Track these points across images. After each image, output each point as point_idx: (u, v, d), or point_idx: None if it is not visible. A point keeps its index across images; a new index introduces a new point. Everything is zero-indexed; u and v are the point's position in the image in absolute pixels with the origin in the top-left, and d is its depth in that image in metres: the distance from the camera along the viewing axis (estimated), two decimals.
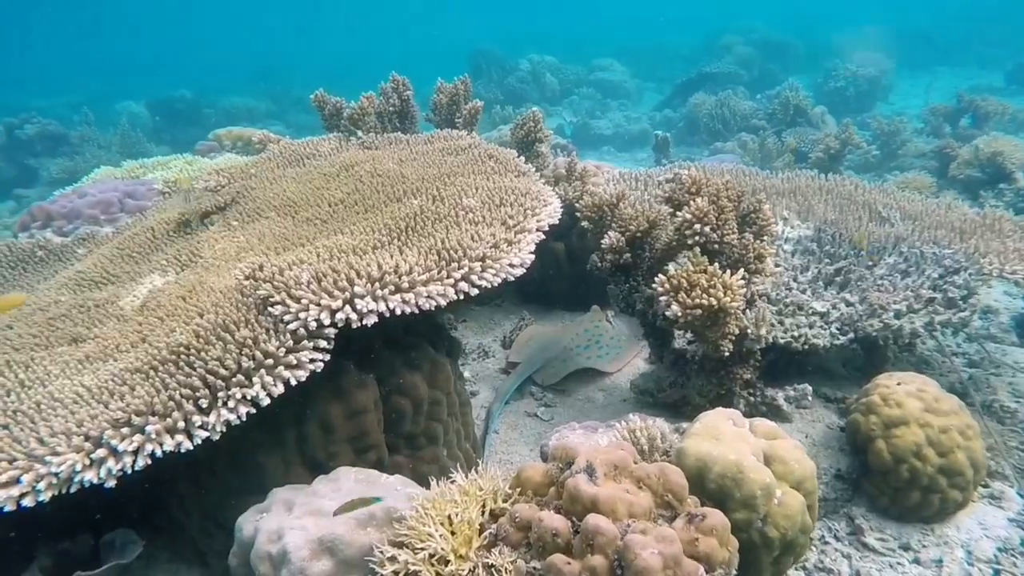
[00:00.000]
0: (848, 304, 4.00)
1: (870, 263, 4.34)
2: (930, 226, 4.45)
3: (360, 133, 5.10)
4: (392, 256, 2.91)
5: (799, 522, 2.47)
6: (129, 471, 2.22)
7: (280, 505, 2.44)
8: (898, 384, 3.43)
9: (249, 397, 2.41)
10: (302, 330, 2.58)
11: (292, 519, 2.34)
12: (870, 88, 15.21)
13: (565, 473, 2.19)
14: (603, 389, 4.44)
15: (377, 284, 2.68)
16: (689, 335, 3.97)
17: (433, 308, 2.76)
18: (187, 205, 4.37)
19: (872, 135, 10.57)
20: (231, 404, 2.37)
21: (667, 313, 3.09)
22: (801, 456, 2.62)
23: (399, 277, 2.74)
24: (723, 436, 2.58)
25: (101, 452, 2.20)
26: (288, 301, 2.63)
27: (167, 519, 2.99)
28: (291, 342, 2.56)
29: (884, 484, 3.33)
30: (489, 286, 2.91)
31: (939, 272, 4.08)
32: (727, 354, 3.26)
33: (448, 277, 2.84)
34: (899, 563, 3.19)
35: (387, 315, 2.68)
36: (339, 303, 2.61)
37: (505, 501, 2.26)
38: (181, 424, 2.31)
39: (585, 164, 5.31)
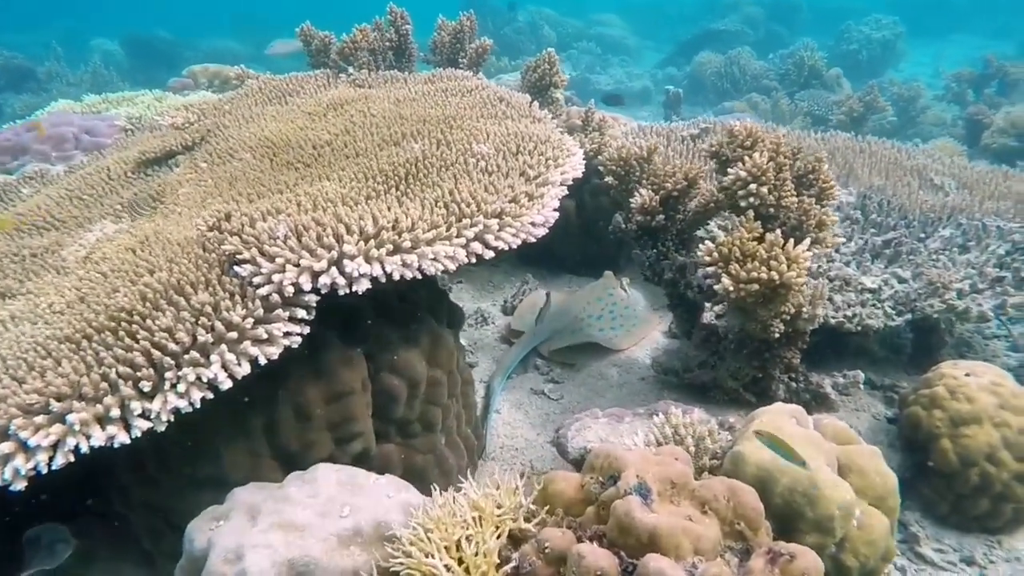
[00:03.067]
0: (901, 280, 3.53)
1: (922, 235, 3.87)
2: (991, 196, 3.97)
3: (351, 69, 4.50)
4: (390, 208, 2.38)
5: (882, 548, 2.03)
6: (44, 470, 1.71)
7: (242, 512, 1.95)
8: (967, 375, 2.98)
9: (206, 379, 1.91)
10: (275, 296, 2.07)
11: (256, 533, 1.86)
12: (883, 53, 14.60)
13: (609, 490, 1.72)
14: (617, 364, 3.97)
15: (372, 242, 2.16)
16: (719, 309, 3.50)
17: (439, 273, 2.25)
18: (149, 142, 3.78)
19: (889, 100, 10.03)
20: (181, 388, 1.87)
21: (715, 287, 2.60)
22: (882, 466, 2.17)
23: (399, 235, 2.22)
24: (790, 440, 2.12)
25: (6, 447, 1.69)
26: (260, 260, 2.11)
27: (109, 510, 2.50)
28: (261, 311, 2.04)
29: (946, 489, 2.90)
30: (507, 248, 2.41)
31: (1006, 248, 3.61)
32: (777, 335, 2.78)
33: (458, 236, 2.32)
34: None
35: (383, 280, 2.17)
36: (323, 264, 2.09)
37: (528, 520, 1.79)
38: (116, 412, 1.81)
39: (603, 114, 4.76)
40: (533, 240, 2.50)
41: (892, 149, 4.78)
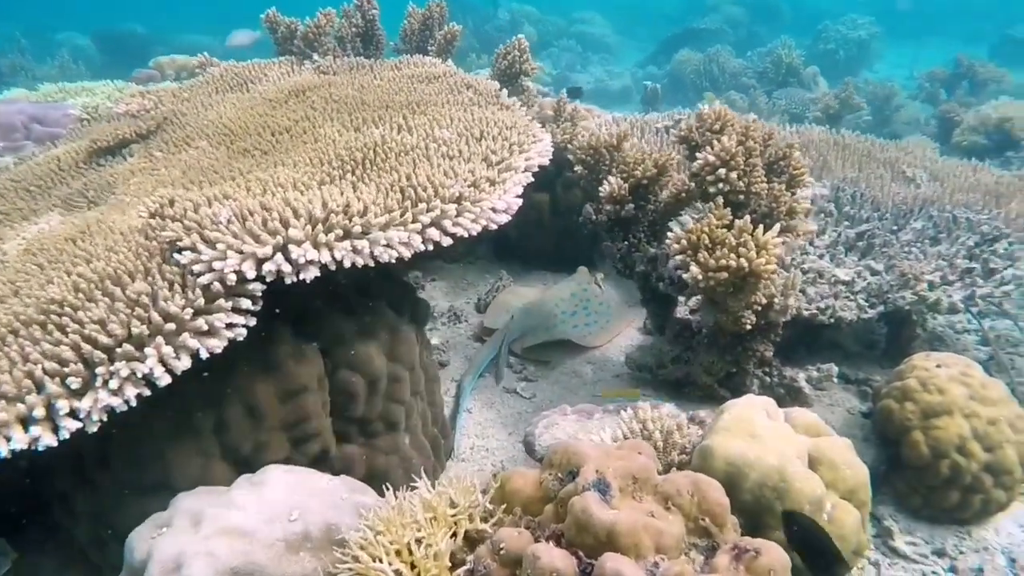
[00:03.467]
0: (874, 272, 3.48)
1: (895, 227, 3.82)
2: (960, 188, 3.94)
3: (316, 56, 4.38)
4: (343, 192, 2.27)
5: (853, 543, 1.96)
6: None
7: (184, 518, 1.83)
8: (938, 366, 2.93)
9: (141, 374, 1.78)
10: (217, 285, 1.95)
11: (198, 540, 1.74)
12: (859, 52, 14.69)
13: (567, 487, 1.62)
14: (592, 362, 3.88)
15: (320, 227, 2.05)
16: (692, 303, 3.43)
17: (393, 261, 2.15)
18: (101, 131, 3.63)
19: (864, 98, 10.06)
20: (114, 384, 1.74)
21: (684, 276, 2.52)
22: (852, 458, 2.10)
23: (349, 219, 2.12)
24: (760, 433, 2.04)
25: None
26: (200, 246, 1.99)
27: (54, 519, 2.36)
28: (202, 301, 1.92)
29: (918, 481, 2.85)
30: (466, 235, 2.31)
31: (975, 240, 3.58)
32: (749, 327, 2.71)
33: (414, 221, 2.22)
34: (934, 572, 2.73)
35: (333, 268, 2.06)
36: (268, 250, 1.98)
37: (485, 521, 1.69)
38: (40, 412, 1.68)
39: (575, 105, 4.67)
40: (495, 227, 2.40)
41: (866, 142, 4.75)
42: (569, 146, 3.52)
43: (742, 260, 2.36)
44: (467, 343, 4.11)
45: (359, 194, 2.28)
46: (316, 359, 2.35)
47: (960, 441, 2.73)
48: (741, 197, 2.70)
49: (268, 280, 2.00)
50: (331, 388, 2.41)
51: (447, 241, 2.27)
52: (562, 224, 4.67)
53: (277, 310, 2.38)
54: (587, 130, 4.29)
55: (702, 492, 1.60)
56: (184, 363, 1.85)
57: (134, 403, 1.79)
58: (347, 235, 2.11)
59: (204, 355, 1.89)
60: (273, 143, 3.08)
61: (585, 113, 4.71)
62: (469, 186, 2.40)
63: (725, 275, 2.40)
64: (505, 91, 3.74)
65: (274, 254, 1.98)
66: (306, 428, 2.32)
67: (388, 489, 1.81)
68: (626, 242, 3.33)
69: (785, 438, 2.04)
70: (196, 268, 1.95)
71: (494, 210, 2.43)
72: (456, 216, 2.31)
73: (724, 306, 2.66)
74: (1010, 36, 16.85)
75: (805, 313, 3.08)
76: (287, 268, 1.98)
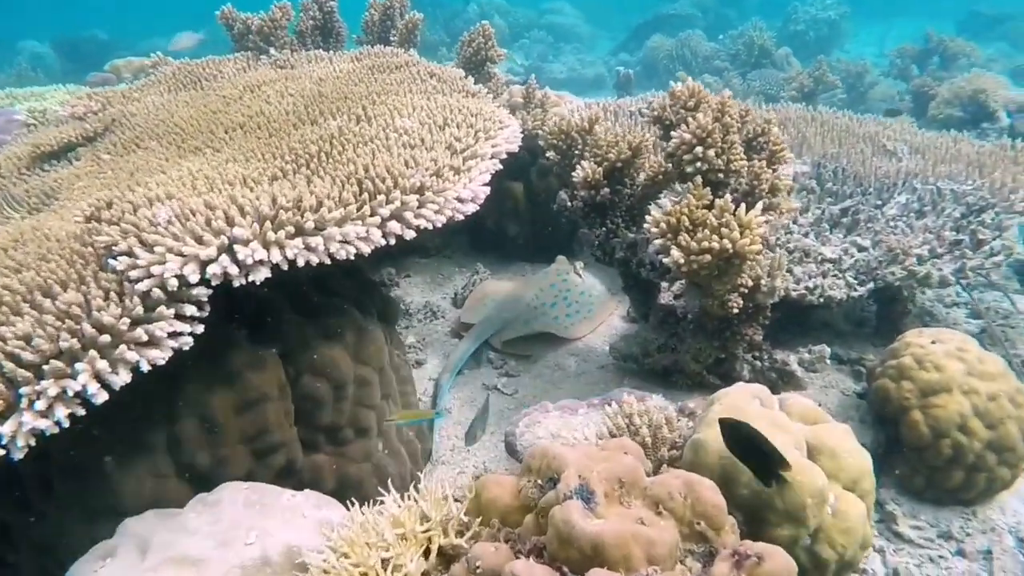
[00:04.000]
0: (861, 249, 3.37)
1: (878, 202, 3.71)
2: (943, 160, 3.84)
3: (272, 51, 4.19)
4: (295, 187, 2.10)
5: (859, 536, 1.83)
6: None
7: (130, 547, 1.66)
8: (933, 342, 2.82)
9: (73, 392, 1.61)
10: (158, 291, 1.77)
11: (144, 572, 1.57)
12: (830, 33, 14.63)
13: (548, 495, 1.47)
14: (575, 354, 3.74)
15: (269, 224, 1.88)
16: (676, 288, 3.29)
17: (352, 258, 1.99)
18: (45, 135, 3.43)
19: (838, 76, 9.99)
20: (41, 404, 1.57)
21: (664, 260, 2.38)
22: (853, 445, 1.97)
23: (302, 215, 1.95)
24: (754, 423, 1.90)
25: None
26: (137, 250, 1.82)
27: None
28: (141, 309, 1.75)
29: (920, 463, 2.73)
30: (430, 226, 2.15)
31: (961, 211, 3.47)
32: (736, 311, 2.58)
33: (372, 215, 2.06)
34: (941, 556, 2.62)
35: (286, 268, 1.89)
36: (212, 251, 1.81)
37: (461, 535, 1.54)
38: None
39: (546, 91, 4.52)
40: (461, 217, 2.25)
41: (844, 118, 4.64)
42: (540, 132, 3.37)
43: (725, 241, 2.22)
44: (444, 340, 3.95)
45: (312, 188, 2.11)
46: (276, 365, 2.18)
47: (961, 419, 2.62)
48: (720, 176, 2.56)
49: (214, 284, 1.83)
50: (294, 395, 2.25)
51: (410, 234, 2.11)
52: (539, 213, 4.52)
53: (232, 315, 2.21)
54: (558, 116, 4.14)
55: (696, 493, 1.46)
56: (123, 378, 1.68)
57: (66, 424, 1.61)
58: (299, 232, 1.94)
59: (145, 367, 1.72)
60: (226, 140, 2.90)
61: (556, 99, 4.56)
62: (432, 175, 2.25)
63: (708, 258, 2.26)
64: (471, 79, 3.58)
65: (219, 255, 1.81)
66: (268, 439, 2.15)
67: (354, 504, 1.65)
68: (603, 228, 3.19)
69: (781, 427, 1.91)
70: (133, 274, 1.78)
71: (460, 200, 2.28)
72: (418, 208, 2.15)
73: (709, 290, 2.52)
74: (976, 11, 16.90)
75: (793, 294, 2.96)
76: (234, 270, 1.81)
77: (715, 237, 2.24)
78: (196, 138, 2.99)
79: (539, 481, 1.53)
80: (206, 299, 1.85)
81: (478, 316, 3.91)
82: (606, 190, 2.93)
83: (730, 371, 3.07)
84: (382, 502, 1.64)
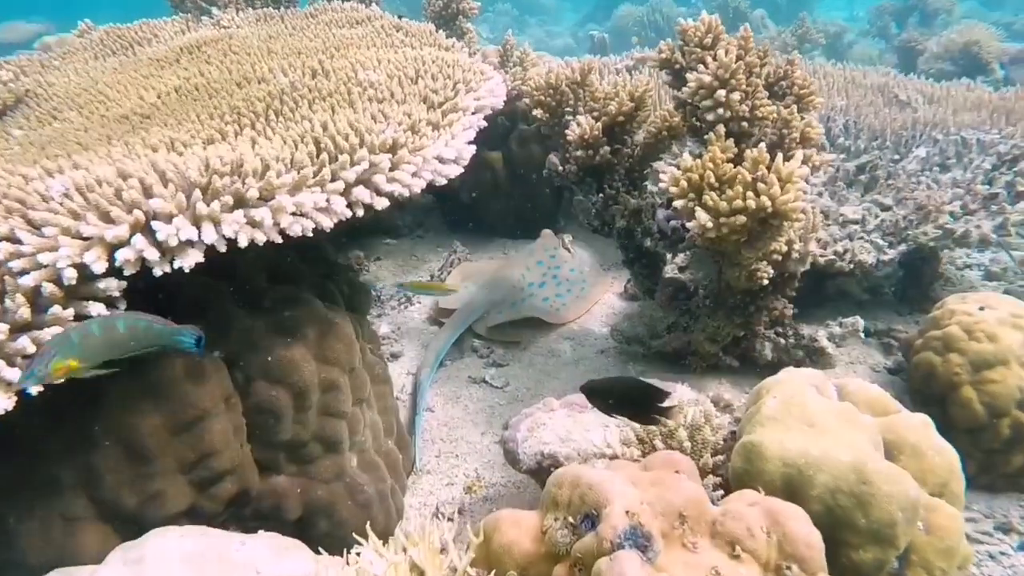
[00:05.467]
0: (885, 208, 3.03)
1: (896, 157, 3.37)
2: (963, 107, 3.51)
3: (215, 10, 3.70)
4: (235, 149, 1.67)
5: (960, 557, 1.48)
6: None
7: None
8: (981, 309, 2.49)
9: None
10: (50, 286, 1.34)
11: None
12: None
13: (585, 539, 1.09)
14: (570, 337, 3.36)
15: (199, 194, 1.46)
16: (680, 260, 2.92)
17: (309, 234, 1.57)
18: None
19: (821, 34, 9.67)
20: None
21: (688, 225, 1.99)
22: (937, 440, 1.62)
23: (242, 181, 1.52)
24: (820, 420, 1.54)
25: None
26: (21, 232, 1.37)
27: None
28: (26, 311, 1.31)
29: (973, 445, 2.39)
30: (406, 193, 1.74)
31: (991, 162, 3.15)
32: (766, 281, 2.21)
33: (334, 179, 1.64)
34: (1002, 552, 2.30)
35: (223, 248, 1.47)
36: (123, 231, 1.38)
37: None
38: None
39: (525, 48, 4.09)
40: (443, 181, 1.84)
41: (845, 70, 4.29)
42: (523, 88, 2.96)
43: (763, 199, 1.84)
44: (422, 328, 3.54)
45: (257, 150, 1.68)
46: (220, 373, 1.76)
47: (1021, 395, 2.30)
48: (744, 125, 2.18)
49: (128, 274, 1.40)
50: (246, 407, 1.83)
51: (381, 203, 1.70)
52: (520, 185, 4.11)
53: (161, 313, 1.78)
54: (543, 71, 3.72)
55: (783, 528, 1.09)
56: (2, 404, 1.25)
57: None
58: (240, 203, 1.52)
59: (35, 391, 1.29)
60: (157, 106, 2.44)
61: (536, 58, 4.13)
62: (406, 130, 1.83)
63: (742, 219, 1.88)
64: (442, 32, 3.14)
65: (132, 236, 1.38)
66: (214, 465, 1.73)
67: (319, 559, 1.25)
68: (601, 195, 2.79)
69: (851, 422, 1.55)
70: (15, 265, 1.34)
71: (440, 160, 1.87)
72: (391, 170, 1.74)
73: (735, 258, 2.15)
74: None
75: (821, 260, 2.61)
76: (153, 254, 1.39)
77: (750, 194, 1.86)
78: (122, 105, 2.53)
79: (570, 519, 1.14)
80: (119, 294, 1.42)
81: (459, 300, 3.50)
82: (606, 149, 2.54)
83: (749, 351, 2.73)
84: (359, 553, 1.23)
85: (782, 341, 2.67)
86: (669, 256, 2.72)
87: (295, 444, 1.92)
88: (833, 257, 2.64)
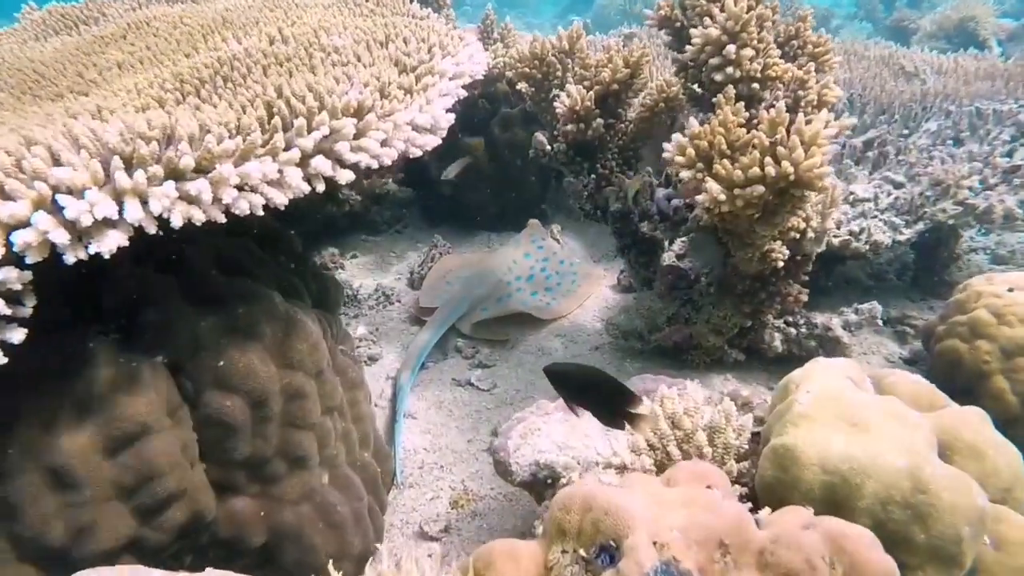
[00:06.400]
0: (897, 185, 2.82)
1: (904, 131, 3.17)
2: (976, 77, 3.32)
3: None
4: (171, 115, 1.41)
5: None
6: None
7: None
8: (1010, 290, 2.29)
9: None
10: None
11: None
12: None
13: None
14: (561, 334, 3.12)
15: (119, 162, 1.20)
16: (678, 246, 2.70)
17: (259, 212, 1.32)
18: None
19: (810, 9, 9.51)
20: None
21: (699, 200, 1.76)
22: (996, 436, 1.40)
23: (175, 150, 1.27)
24: (864, 416, 1.32)
25: None
26: None
27: None
28: None
29: None
30: (374, 164, 1.49)
31: (1010, 133, 2.95)
32: (781, 264, 1.99)
33: (288, 148, 1.39)
34: None
35: (153, 230, 1.22)
36: (22, 208, 1.12)
37: None
38: None
39: (508, 23, 3.85)
40: (417, 153, 1.60)
41: (844, 43, 4.10)
42: (506, 60, 2.72)
43: (785, 164, 1.61)
44: (402, 328, 3.29)
45: (197, 114, 1.43)
46: (162, 380, 1.51)
47: None
48: (755, 87, 1.95)
49: (32, 262, 1.14)
50: (196, 420, 1.58)
51: (345, 176, 1.45)
52: (503, 172, 3.87)
53: (90, 311, 1.53)
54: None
55: (851, 557, 0.87)
56: None
57: None
58: (173, 174, 1.26)
59: None
60: (97, 82, 2.18)
61: (518, 35, 3.89)
62: (373, 92, 1.58)
63: (760, 190, 1.66)
64: (416, 3, 2.89)
65: (32, 213, 1.12)
66: (157, 489, 1.48)
67: None
68: (593, 176, 2.56)
69: (900, 419, 1.32)
70: None
71: (414, 127, 1.62)
72: (356, 137, 1.49)
73: (748, 238, 1.92)
74: None
75: (835, 241, 2.39)
76: (62, 236, 1.13)
77: (769, 161, 1.63)
78: (58, 84, 2.26)
79: (582, 552, 0.91)
80: (21, 287, 1.16)
81: (440, 298, 3.26)
82: (599, 121, 2.30)
83: (757, 343, 2.51)
84: None
85: (793, 331, 2.45)
86: (667, 243, 2.50)
87: (256, 461, 1.67)
88: (848, 237, 2.42)
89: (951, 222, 2.59)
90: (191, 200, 1.25)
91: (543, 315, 3.17)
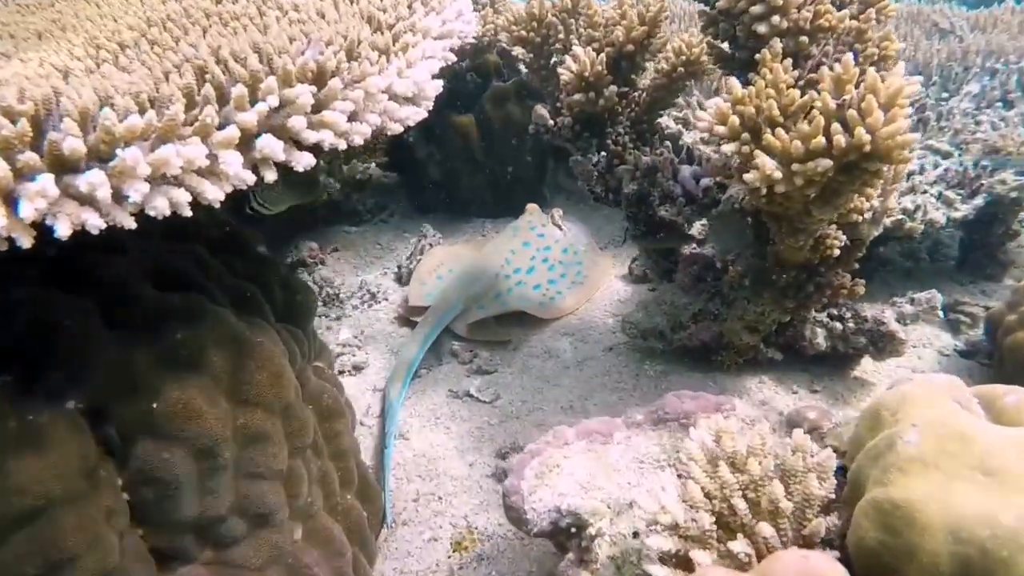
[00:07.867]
0: (945, 155, 2.50)
1: (944, 94, 2.85)
2: (1022, 31, 2.98)
3: None
4: (75, 89, 1.06)
5: None
6: None
7: None
8: None
9: None
10: None
11: None
12: None
13: None
14: (569, 332, 2.79)
15: None
16: (697, 230, 2.37)
17: (186, 211, 0.97)
18: None
19: None
20: None
21: (746, 179, 1.43)
22: None
23: (59, 132, 0.91)
24: (998, 461, 1.00)
25: None
26: None
27: None
28: None
29: None
30: (341, 145, 1.14)
31: None
32: (838, 251, 1.67)
33: (224, 126, 1.04)
34: None
35: (26, 244, 0.87)
36: None
37: None
38: None
39: None
40: (397, 128, 1.25)
41: None
42: (498, 24, 2.37)
43: (860, 131, 1.28)
44: (390, 331, 2.95)
45: (106, 82, 1.08)
46: (74, 434, 1.16)
47: None
48: (804, 40, 1.61)
49: None
50: (126, 479, 1.24)
51: (304, 160, 1.10)
52: (497, 152, 3.52)
53: None
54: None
55: None
56: None
57: None
58: (56, 164, 0.91)
59: None
60: (12, 51, 1.81)
61: (510, 2, 3.53)
62: (339, 52, 1.23)
63: (827, 163, 1.32)
64: None
65: None
66: (76, 570, 1.14)
67: None
68: (603, 153, 2.22)
69: None
70: None
71: (392, 96, 1.27)
72: (316, 109, 1.14)
73: (799, 222, 1.59)
74: None
75: (887, 220, 2.06)
76: None
77: (837, 127, 1.30)
78: None
79: None
80: None
81: (432, 295, 2.92)
82: (612, 89, 1.96)
83: (797, 340, 2.19)
84: None
85: (838, 326, 2.13)
86: (699, 224, 2.17)
87: (207, 522, 1.33)
88: (902, 217, 2.10)
89: (1013, 195, 2.26)
90: (83, 200, 0.90)
91: (548, 312, 2.85)
